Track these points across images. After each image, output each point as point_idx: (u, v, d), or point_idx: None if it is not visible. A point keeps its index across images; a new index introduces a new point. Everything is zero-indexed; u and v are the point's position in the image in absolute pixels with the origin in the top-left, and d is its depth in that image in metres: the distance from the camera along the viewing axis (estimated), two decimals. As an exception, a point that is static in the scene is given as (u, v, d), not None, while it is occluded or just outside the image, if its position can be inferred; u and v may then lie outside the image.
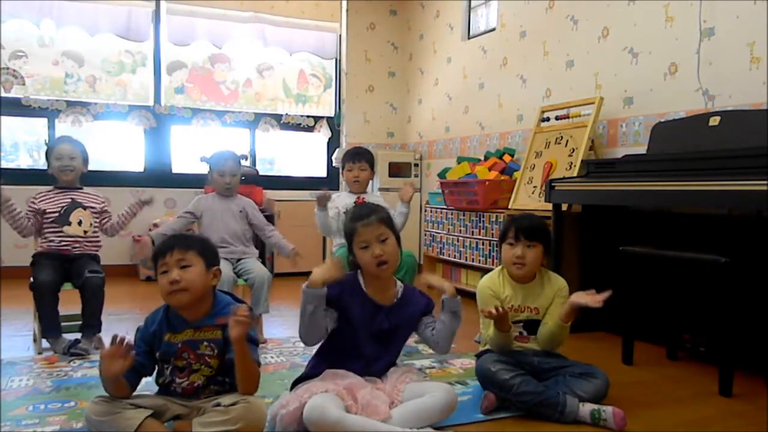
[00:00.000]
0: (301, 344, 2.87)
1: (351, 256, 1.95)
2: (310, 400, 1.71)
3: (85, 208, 2.85)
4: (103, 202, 2.94)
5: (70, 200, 2.83)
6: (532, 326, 2.15)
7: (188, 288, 1.71)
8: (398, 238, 1.95)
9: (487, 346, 2.18)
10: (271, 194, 5.27)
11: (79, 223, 2.82)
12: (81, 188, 2.90)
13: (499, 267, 2.24)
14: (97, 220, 2.90)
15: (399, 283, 2.02)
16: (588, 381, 2.03)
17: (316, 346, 1.98)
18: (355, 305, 1.90)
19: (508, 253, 2.15)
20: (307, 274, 1.83)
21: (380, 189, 5.16)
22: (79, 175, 2.89)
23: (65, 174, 2.84)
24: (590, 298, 2.01)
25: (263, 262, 3.17)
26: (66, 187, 2.86)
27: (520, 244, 2.12)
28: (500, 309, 2.01)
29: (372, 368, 1.92)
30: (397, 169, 5.41)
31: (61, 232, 2.78)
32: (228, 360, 1.73)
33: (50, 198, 2.81)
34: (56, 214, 2.78)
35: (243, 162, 3.39)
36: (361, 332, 1.90)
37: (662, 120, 3.11)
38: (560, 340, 2.14)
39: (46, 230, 2.78)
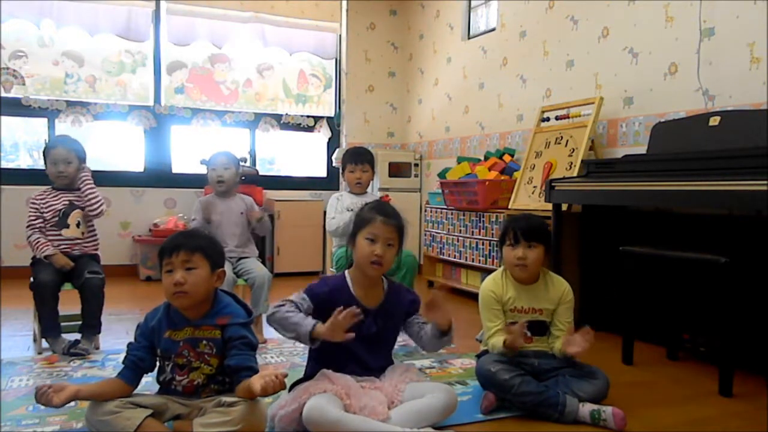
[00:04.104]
0: (301, 344, 2.88)
1: (350, 244, 1.94)
2: (310, 400, 1.71)
3: (82, 209, 2.84)
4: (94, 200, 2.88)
5: (67, 203, 2.81)
6: (535, 327, 2.15)
7: (191, 291, 1.71)
8: (399, 252, 1.95)
9: (488, 347, 2.17)
10: (271, 194, 5.28)
11: (77, 224, 2.82)
12: (78, 189, 2.86)
13: (502, 268, 2.23)
14: (89, 218, 2.86)
15: (385, 281, 2.00)
16: (588, 382, 2.03)
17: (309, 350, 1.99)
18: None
19: (509, 255, 2.14)
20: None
21: (380, 189, 5.16)
22: (74, 178, 2.84)
23: (60, 179, 2.82)
24: (578, 348, 2.00)
25: (263, 262, 3.17)
26: (63, 188, 2.85)
27: (520, 245, 2.11)
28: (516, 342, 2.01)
29: (367, 369, 1.92)
30: (397, 169, 5.41)
31: (60, 235, 2.77)
32: (225, 366, 1.73)
33: (48, 201, 2.80)
34: (56, 219, 2.77)
35: (242, 164, 3.39)
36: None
37: (662, 120, 3.11)
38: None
39: (46, 235, 2.77)
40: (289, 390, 1.88)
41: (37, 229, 2.75)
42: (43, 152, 2.87)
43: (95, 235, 2.91)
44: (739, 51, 2.87)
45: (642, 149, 3.18)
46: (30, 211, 2.77)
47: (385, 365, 1.97)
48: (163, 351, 1.75)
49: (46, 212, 2.77)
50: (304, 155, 5.86)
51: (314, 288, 1.93)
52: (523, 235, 2.11)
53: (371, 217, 1.90)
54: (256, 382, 1.58)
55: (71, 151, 2.82)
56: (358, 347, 1.89)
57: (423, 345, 2.01)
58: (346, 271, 1.98)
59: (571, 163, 3.49)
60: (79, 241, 2.81)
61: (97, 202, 2.83)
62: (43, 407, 1.98)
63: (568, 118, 3.69)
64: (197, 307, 1.75)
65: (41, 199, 2.80)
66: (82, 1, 4.81)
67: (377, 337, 1.94)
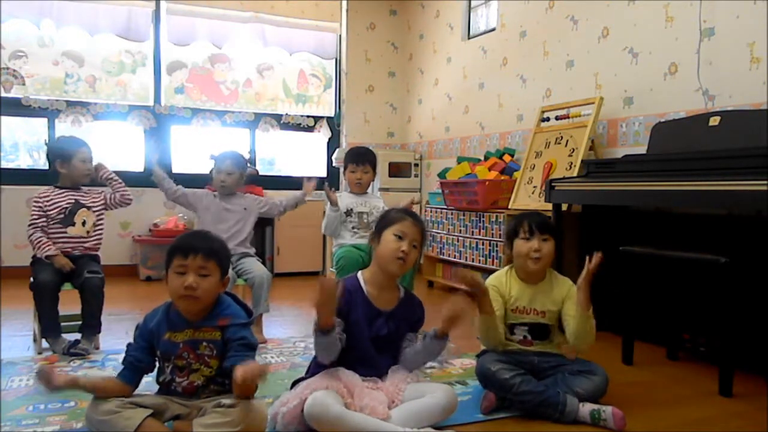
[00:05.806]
0: (302, 344, 2.89)
1: (374, 241, 1.95)
2: (312, 395, 1.71)
3: (89, 208, 2.84)
4: (103, 198, 2.93)
5: (74, 201, 2.82)
6: (536, 330, 2.14)
7: (202, 297, 1.70)
8: (419, 258, 1.99)
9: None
10: (271, 194, 5.27)
11: (83, 223, 2.82)
12: (80, 188, 2.89)
13: (507, 267, 2.23)
14: (102, 216, 2.88)
15: (401, 288, 2.02)
16: (587, 378, 2.03)
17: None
18: (355, 309, 1.90)
19: (523, 248, 2.12)
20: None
21: (380, 189, 5.16)
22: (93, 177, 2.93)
23: (84, 177, 2.87)
24: (586, 273, 2.05)
25: (263, 262, 3.17)
26: (68, 187, 2.85)
27: (535, 237, 2.11)
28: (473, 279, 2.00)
29: (374, 369, 1.92)
30: (397, 169, 5.41)
31: (65, 233, 2.77)
32: (223, 367, 1.72)
33: (53, 199, 2.79)
34: (61, 216, 2.77)
35: (249, 166, 3.42)
36: (360, 335, 1.90)
37: (662, 120, 3.11)
38: (590, 333, 2.06)
39: (49, 233, 2.77)
40: (291, 387, 1.89)
41: (39, 228, 2.75)
42: (62, 153, 2.85)
43: (100, 235, 2.90)
44: (739, 51, 2.87)
45: (642, 149, 3.18)
46: (33, 210, 2.77)
47: (388, 366, 1.97)
48: (163, 353, 1.75)
49: (51, 210, 2.77)
50: (304, 155, 5.85)
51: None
52: (538, 228, 2.12)
53: (401, 217, 1.94)
54: (237, 370, 1.57)
55: (90, 153, 2.91)
56: (369, 348, 1.90)
57: (404, 359, 1.96)
58: (359, 272, 1.99)
59: (571, 163, 3.49)
60: (83, 239, 2.81)
61: (126, 190, 2.97)
62: (42, 407, 1.99)
63: (568, 118, 3.69)
64: (200, 309, 1.75)
65: (45, 197, 2.79)
66: (82, 1, 4.81)
67: (387, 340, 1.94)
